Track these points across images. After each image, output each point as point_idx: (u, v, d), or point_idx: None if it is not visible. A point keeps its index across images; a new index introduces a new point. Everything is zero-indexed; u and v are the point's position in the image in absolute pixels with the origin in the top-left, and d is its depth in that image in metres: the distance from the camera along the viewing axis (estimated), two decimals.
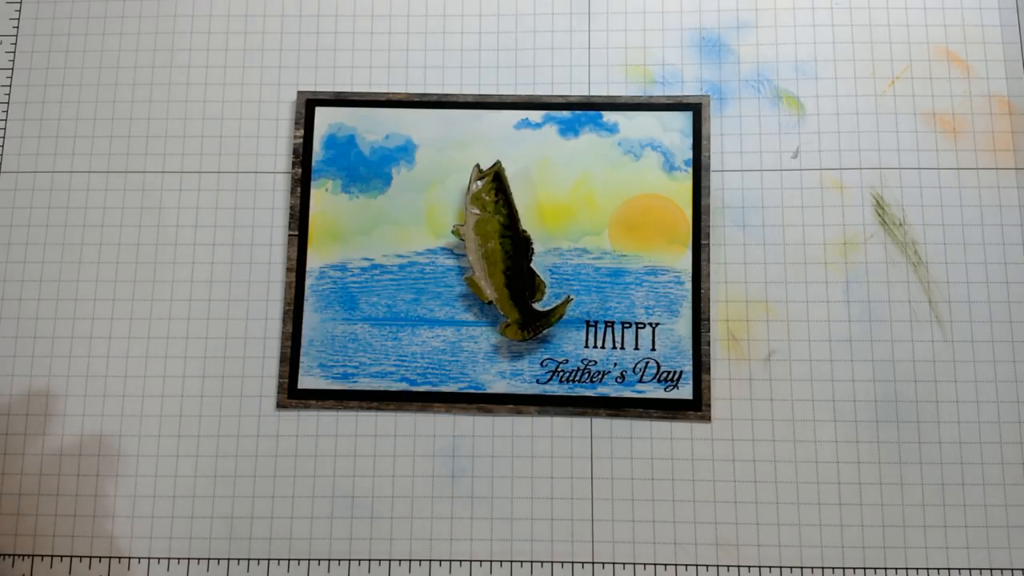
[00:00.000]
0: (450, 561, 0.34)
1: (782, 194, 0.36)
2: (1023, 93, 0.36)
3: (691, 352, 0.34)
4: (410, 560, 0.34)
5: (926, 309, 0.35)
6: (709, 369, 0.33)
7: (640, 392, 0.34)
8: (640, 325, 0.34)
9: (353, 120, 0.36)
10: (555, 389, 0.34)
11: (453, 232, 0.35)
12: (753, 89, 0.37)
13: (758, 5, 0.38)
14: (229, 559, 0.34)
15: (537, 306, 0.34)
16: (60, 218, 0.36)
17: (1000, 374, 0.35)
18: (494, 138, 0.36)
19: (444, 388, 0.34)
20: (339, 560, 0.34)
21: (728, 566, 0.33)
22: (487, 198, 0.34)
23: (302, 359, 0.34)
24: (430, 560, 0.34)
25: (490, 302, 0.34)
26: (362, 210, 0.35)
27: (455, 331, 0.35)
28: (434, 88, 0.37)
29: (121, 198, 0.36)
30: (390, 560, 0.34)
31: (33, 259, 0.36)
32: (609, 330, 0.34)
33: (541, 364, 0.34)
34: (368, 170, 0.36)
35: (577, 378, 0.34)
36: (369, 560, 0.34)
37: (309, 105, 0.36)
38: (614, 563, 0.33)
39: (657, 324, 0.34)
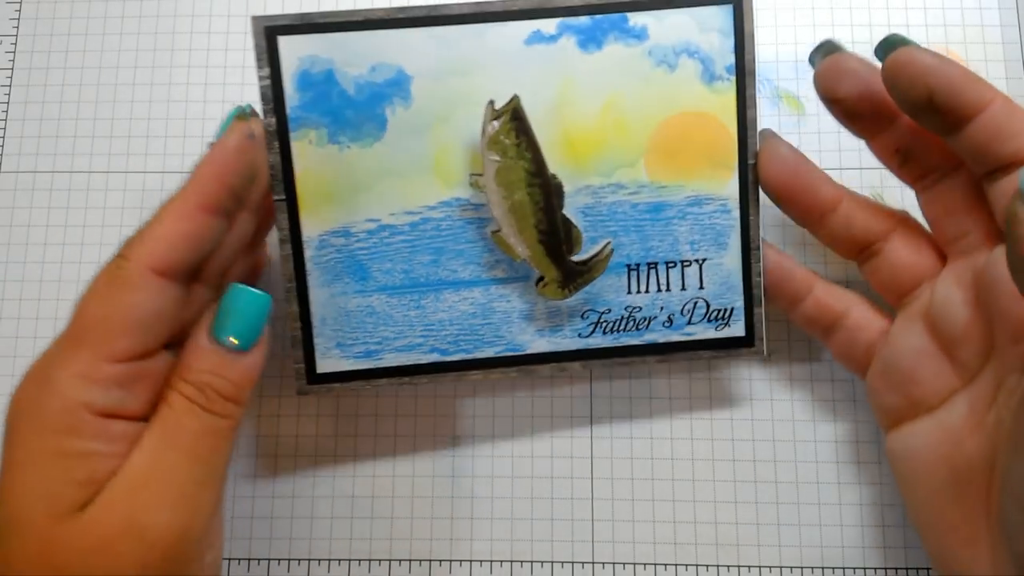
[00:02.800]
0: (450, 561, 0.34)
1: None
2: (1023, 93, 0.36)
3: (741, 287, 0.31)
4: (410, 560, 0.34)
5: None
6: (761, 302, 0.31)
7: (689, 334, 0.31)
8: (686, 263, 0.31)
9: (328, 50, 0.28)
10: (599, 341, 0.31)
11: (471, 184, 0.29)
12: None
13: (758, 5, 0.38)
14: (230, 559, 0.34)
15: (574, 257, 0.30)
16: (60, 218, 0.36)
17: None
18: (502, 59, 0.29)
19: (480, 354, 0.31)
20: (339, 560, 0.34)
21: (728, 566, 0.33)
22: (507, 141, 0.29)
23: (316, 340, 0.30)
24: (430, 560, 0.34)
25: (523, 260, 0.30)
26: (357, 163, 0.29)
27: (484, 291, 0.30)
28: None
29: (121, 198, 0.36)
30: (390, 560, 0.34)
31: (33, 259, 0.36)
32: (652, 272, 0.31)
33: (582, 316, 0.31)
34: (356, 113, 0.29)
35: (622, 327, 0.31)
36: (369, 560, 0.34)
37: (270, 35, 0.28)
38: (614, 563, 0.33)
39: (704, 260, 0.31)
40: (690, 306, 0.31)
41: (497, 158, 0.29)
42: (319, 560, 0.34)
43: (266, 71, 0.28)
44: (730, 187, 0.30)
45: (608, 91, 0.29)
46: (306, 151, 0.29)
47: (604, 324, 0.31)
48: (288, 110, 0.29)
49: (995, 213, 0.27)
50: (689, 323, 0.31)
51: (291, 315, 0.30)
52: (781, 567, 0.33)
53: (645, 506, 0.34)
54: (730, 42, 0.30)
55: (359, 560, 0.34)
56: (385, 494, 0.34)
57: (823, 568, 0.33)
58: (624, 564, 0.33)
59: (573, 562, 0.34)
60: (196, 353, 0.26)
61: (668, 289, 0.31)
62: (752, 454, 0.34)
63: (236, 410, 0.26)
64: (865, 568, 0.33)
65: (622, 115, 0.30)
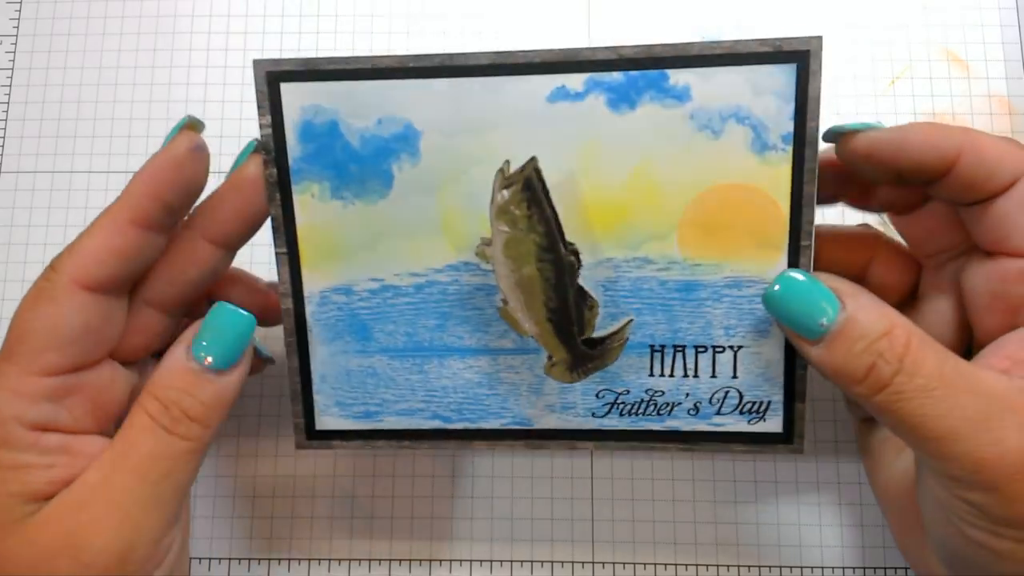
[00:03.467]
0: (450, 561, 0.34)
1: None
2: (1023, 93, 0.36)
3: (783, 380, 0.27)
4: (410, 560, 0.34)
5: None
6: (804, 397, 0.27)
7: (718, 425, 0.28)
8: (718, 349, 0.27)
9: (333, 100, 0.26)
10: (615, 423, 0.28)
11: (477, 253, 0.27)
12: None
13: (758, 5, 0.38)
14: (230, 559, 0.34)
15: (592, 333, 0.28)
16: (60, 218, 0.36)
17: None
18: (520, 118, 0.26)
19: (484, 425, 0.28)
20: (339, 560, 0.34)
21: (728, 566, 0.33)
22: (517, 212, 0.26)
23: (316, 397, 0.29)
24: (430, 560, 0.34)
25: (530, 336, 0.28)
26: (361, 220, 0.27)
27: (491, 361, 0.28)
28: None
29: None
30: (390, 560, 0.34)
31: (33, 259, 0.36)
32: (679, 355, 0.27)
33: (597, 396, 0.28)
34: (361, 167, 0.27)
35: (641, 411, 0.28)
36: (369, 560, 0.34)
37: (272, 81, 0.26)
38: (614, 563, 0.33)
39: (740, 347, 0.27)
40: (720, 395, 0.28)
41: (507, 229, 0.26)
42: (319, 560, 0.34)
43: (267, 119, 0.27)
44: (776, 269, 0.26)
45: (639, 156, 0.26)
46: (308, 205, 0.27)
47: (621, 406, 0.28)
48: (290, 161, 0.27)
49: (972, 232, 0.26)
50: (718, 413, 0.28)
51: (291, 370, 0.28)
52: (781, 567, 0.33)
53: (645, 506, 0.34)
54: (789, 108, 0.25)
55: (359, 560, 0.34)
56: (385, 494, 0.34)
57: (823, 568, 0.33)
58: (624, 564, 0.34)
59: (573, 562, 0.34)
60: (169, 368, 0.25)
61: (696, 375, 0.27)
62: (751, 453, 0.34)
63: (202, 432, 0.25)
64: (864, 568, 0.33)
65: (654, 183, 0.26)
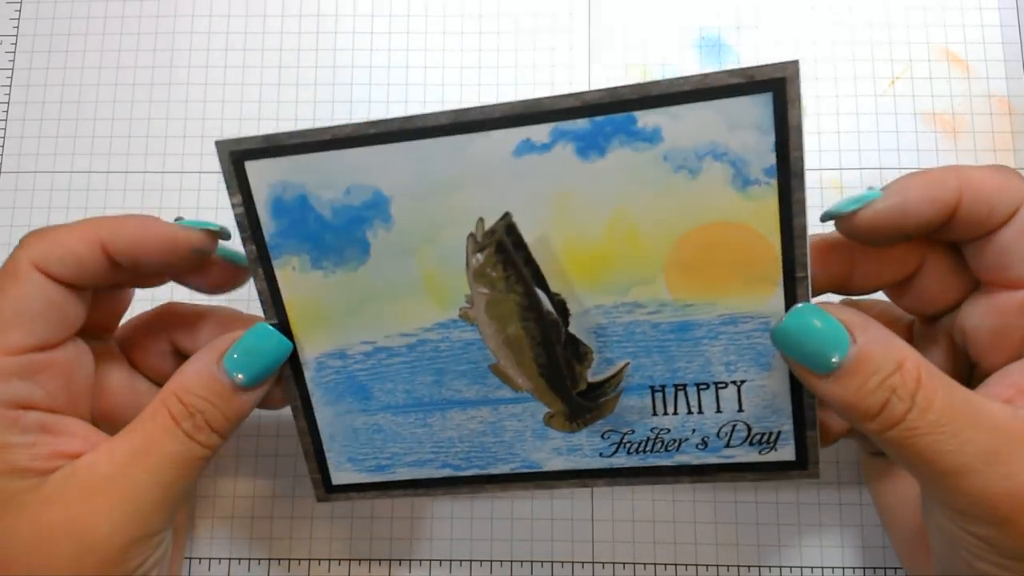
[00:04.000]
0: (450, 561, 0.34)
1: None
2: (1023, 93, 0.36)
3: (790, 410, 0.27)
4: (410, 560, 0.34)
5: None
6: (815, 425, 0.27)
7: (728, 457, 0.27)
8: (720, 385, 0.27)
9: (298, 174, 0.26)
10: (623, 461, 0.28)
11: (460, 316, 0.27)
12: None
13: (758, 5, 0.38)
14: (231, 559, 0.34)
15: (587, 374, 0.27)
16: (60, 218, 0.36)
17: None
18: (488, 174, 0.25)
19: (494, 470, 0.28)
20: (339, 560, 0.34)
21: (728, 566, 0.33)
22: (494, 274, 0.26)
23: (328, 455, 0.29)
24: (430, 560, 0.34)
25: (525, 392, 0.27)
26: (344, 287, 0.27)
27: (492, 411, 0.28)
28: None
29: (121, 198, 0.37)
30: (390, 560, 0.34)
31: None
32: (681, 394, 0.27)
33: (602, 436, 0.28)
34: (336, 237, 0.26)
35: (649, 448, 0.27)
36: (369, 560, 0.34)
37: (237, 161, 0.26)
38: (614, 563, 0.33)
39: (743, 382, 0.26)
40: (728, 429, 0.27)
41: (486, 291, 0.26)
42: (319, 560, 0.34)
43: (238, 198, 0.26)
44: (772, 303, 0.25)
45: (616, 203, 0.25)
46: (291, 278, 0.27)
47: (628, 444, 0.28)
48: (266, 238, 0.27)
49: (973, 267, 0.26)
50: (727, 446, 0.27)
51: (300, 431, 0.29)
52: (780, 567, 0.33)
53: (645, 505, 0.34)
54: (769, 139, 0.24)
55: (359, 560, 0.34)
56: None
57: (823, 568, 0.33)
58: (624, 564, 0.34)
59: (573, 562, 0.34)
60: (199, 375, 0.26)
61: (701, 412, 0.27)
62: None
63: (219, 442, 0.26)
64: (864, 568, 0.33)
65: (634, 228, 0.25)
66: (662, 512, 0.34)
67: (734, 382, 0.27)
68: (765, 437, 0.27)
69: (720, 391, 0.27)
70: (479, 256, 0.26)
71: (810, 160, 0.36)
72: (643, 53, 0.37)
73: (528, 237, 0.26)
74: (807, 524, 0.34)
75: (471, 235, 0.26)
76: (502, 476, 0.28)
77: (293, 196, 0.26)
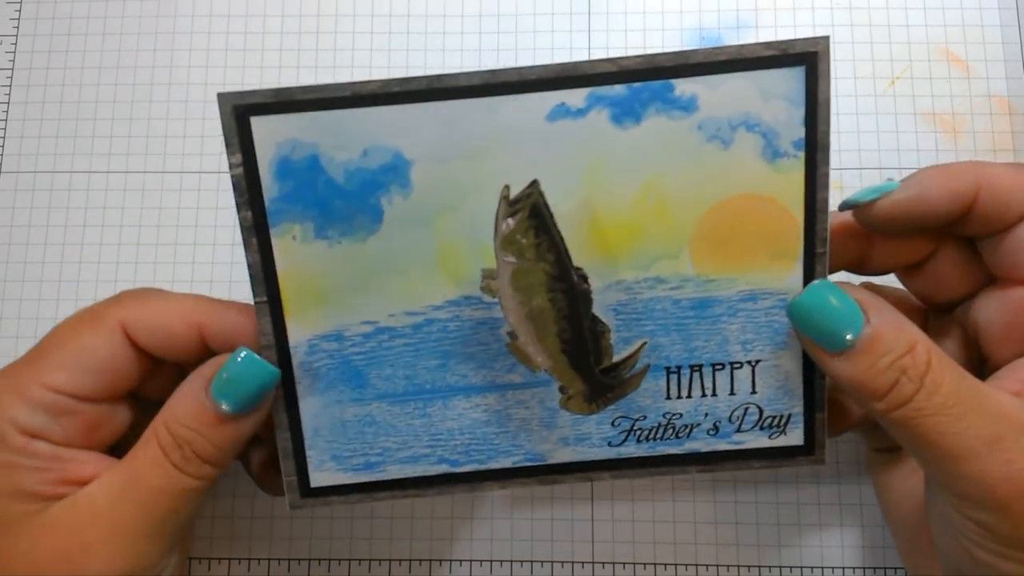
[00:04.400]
0: (450, 561, 0.34)
1: None
2: (1023, 93, 0.36)
3: (802, 391, 0.27)
4: (410, 560, 0.34)
5: None
6: (824, 406, 0.27)
7: (738, 443, 0.27)
8: (736, 365, 0.26)
9: (311, 132, 0.24)
10: (632, 450, 0.27)
11: (482, 288, 0.25)
12: None
13: (758, 5, 0.38)
14: (231, 559, 0.34)
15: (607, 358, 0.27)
16: (60, 218, 0.36)
17: None
18: (519, 139, 0.24)
19: (495, 464, 0.27)
20: (339, 560, 0.34)
21: (728, 566, 0.33)
22: (524, 241, 0.25)
23: (309, 453, 0.27)
24: (430, 560, 0.34)
25: (543, 371, 0.26)
26: (349, 260, 0.25)
27: (499, 397, 0.26)
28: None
29: (121, 198, 0.36)
30: (390, 560, 0.34)
31: (33, 260, 0.36)
32: (696, 375, 0.26)
33: (613, 424, 0.27)
34: (347, 204, 0.24)
35: (660, 435, 0.27)
36: (369, 560, 0.34)
37: (241, 116, 0.24)
38: (614, 563, 0.33)
39: (757, 362, 0.26)
40: (740, 412, 0.27)
41: (513, 260, 0.25)
42: (319, 560, 0.34)
43: (238, 157, 0.24)
44: (791, 279, 0.25)
45: (647, 172, 0.25)
46: (289, 248, 0.25)
47: (638, 432, 0.27)
48: (267, 202, 0.24)
49: (988, 261, 0.26)
50: (738, 431, 0.27)
51: (279, 426, 0.26)
52: (781, 567, 0.33)
53: (645, 505, 0.34)
54: (799, 112, 0.24)
55: (359, 560, 0.34)
56: None
57: (822, 568, 0.33)
58: (624, 564, 0.33)
59: (573, 562, 0.34)
60: (185, 403, 0.25)
61: (715, 394, 0.27)
62: None
63: (212, 472, 0.25)
64: (864, 568, 0.33)
65: (664, 199, 0.25)
66: (662, 512, 0.34)
67: (749, 362, 0.26)
68: (776, 420, 0.27)
69: (735, 371, 0.26)
70: (510, 221, 0.25)
71: None
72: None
73: (557, 205, 0.25)
74: (807, 524, 0.34)
75: (504, 193, 0.24)
76: (502, 471, 0.27)
77: (303, 156, 0.24)
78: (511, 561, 0.34)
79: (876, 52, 0.37)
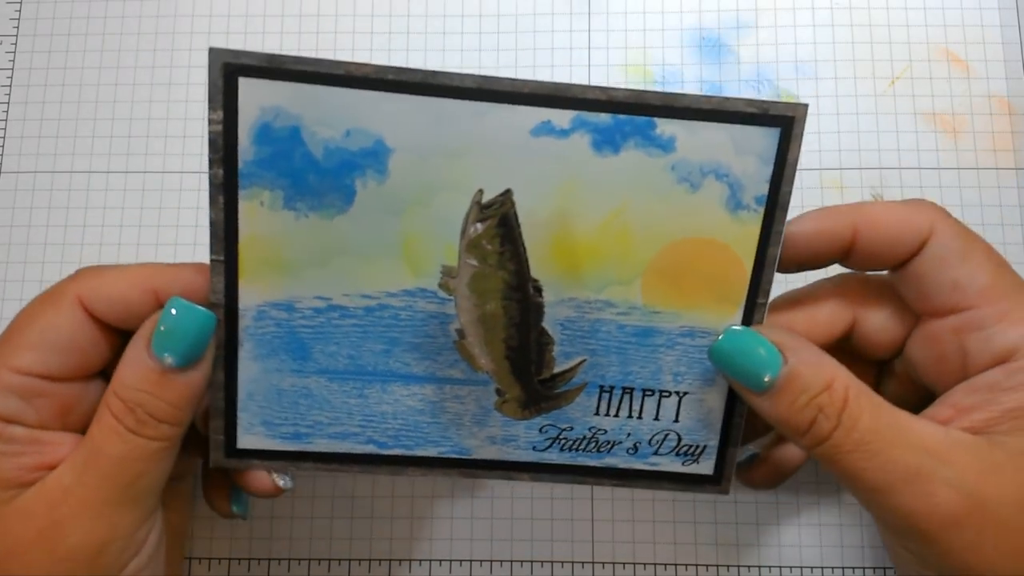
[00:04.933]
0: (450, 561, 0.34)
1: None
2: (1023, 93, 0.36)
3: (720, 425, 0.28)
4: (410, 560, 0.34)
5: None
6: (738, 443, 0.28)
7: (653, 464, 0.28)
8: (664, 393, 0.27)
9: (298, 104, 0.24)
10: (554, 457, 0.28)
11: (440, 285, 0.26)
12: (753, 89, 0.37)
13: (758, 5, 0.38)
14: (230, 559, 0.34)
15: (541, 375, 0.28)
16: (60, 218, 0.36)
17: None
18: (501, 147, 0.25)
19: (421, 452, 0.28)
20: (339, 560, 0.34)
21: (728, 566, 0.33)
22: (489, 247, 0.25)
23: (240, 415, 0.27)
24: (430, 560, 0.34)
25: (484, 373, 0.27)
26: (314, 234, 0.25)
27: (437, 389, 0.27)
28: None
29: (121, 198, 0.37)
30: (390, 560, 0.34)
31: (33, 259, 0.36)
32: (627, 397, 0.28)
33: (540, 431, 0.28)
34: (321, 180, 0.25)
35: (582, 447, 0.28)
36: (369, 560, 0.34)
37: (229, 75, 0.24)
38: (614, 563, 0.33)
39: (685, 393, 0.27)
40: (660, 437, 0.28)
41: (475, 263, 0.26)
42: (319, 560, 0.34)
43: (219, 114, 0.24)
44: (730, 323, 0.27)
45: (617, 200, 0.26)
46: (255, 213, 0.25)
47: (563, 441, 0.28)
48: (240, 164, 0.24)
49: (903, 295, 0.27)
50: (655, 453, 0.28)
51: (214, 384, 0.26)
52: (781, 567, 0.33)
53: (645, 505, 0.34)
54: (767, 170, 0.25)
55: (359, 560, 0.34)
56: (385, 493, 0.34)
57: (822, 568, 0.33)
58: (624, 564, 0.33)
59: (573, 562, 0.34)
60: (132, 366, 0.24)
61: (640, 417, 0.28)
62: None
63: (172, 431, 0.25)
64: (864, 567, 0.33)
65: (627, 228, 0.26)
66: (662, 512, 0.34)
67: (677, 392, 0.28)
68: (692, 449, 0.28)
69: (663, 399, 0.28)
70: (479, 226, 0.25)
71: (810, 160, 0.36)
72: (643, 54, 0.37)
73: (526, 216, 0.25)
74: (807, 524, 0.34)
75: (476, 202, 0.25)
76: (426, 459, 0.28)
77: (285, 126, 0.24)
78: (511, 561, 0.34)
79: (876, 52, 0.37)
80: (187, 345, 0.24)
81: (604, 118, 0.25)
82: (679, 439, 0.28)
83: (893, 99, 0.36)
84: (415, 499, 0.34)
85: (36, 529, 0.24)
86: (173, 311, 0.24)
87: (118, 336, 0.26)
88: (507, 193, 0.25)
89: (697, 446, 0.28)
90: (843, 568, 0.33)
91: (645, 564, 0.33)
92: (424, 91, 0.24)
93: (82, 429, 0.26)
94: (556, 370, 0.27)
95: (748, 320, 0.27)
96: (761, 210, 0.26)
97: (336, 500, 0.34)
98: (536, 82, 0.24)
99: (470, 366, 0.27)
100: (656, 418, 0.28)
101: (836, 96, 0.37)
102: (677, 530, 0.34)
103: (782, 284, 0.32)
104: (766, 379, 0.24)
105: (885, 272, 0.28)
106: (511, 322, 0.26)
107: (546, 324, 0.27)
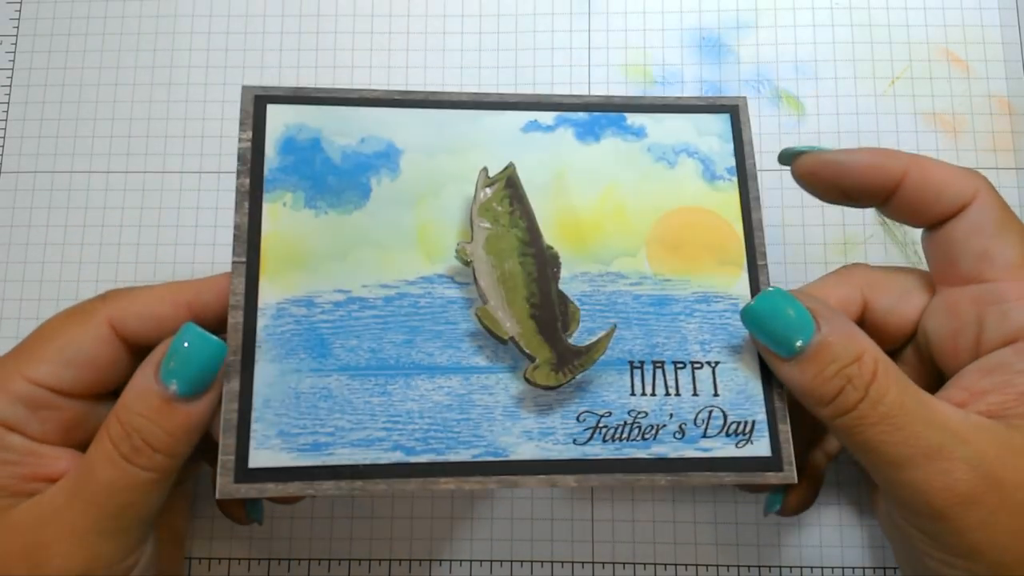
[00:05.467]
0: (450, 561, 0.34)
1: (782, 194, 0.36)
2: (1023, 93, 0.36)
3: (762, 397, 0.27)
4: (410, 560, 0.34)
5: None
6: (786, 418, 0.27)
7: (705, 450, 0.26)
8: (696, 365, 0.27)
9: (318, 120, 0.28)
10: (598, 451, 0.26)
11: (457, 254, 0.27)
12: (753, 89, 0.37)
13: (758, 5, 0.38)
14: (230, 559, 0.34)
15: (571, 340, 0.27)
16: (60, 218, 0.36)
17: None
18: (498, 142, 0.28)
19: (453, 456, 0.26)
20: (339, 560, 0.34)
21: (728, 566, 0.33)
22: (500, 208, 0.27)
23: (254, 426, 0.25)
24: (430, 560, 0.34)
25: (510, 339, 0.26)
26: (333, 229, 0.27)
27: (463, 380, 0.26)
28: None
29: (121, 198, 0.36)
30: (390, 560, 0.34)
31: (33, 260, 0.36)
32: (659, 372, 0.27)
33: (578, 419, 0.26)
34: (339, 179, 0.27)
35: (625, 435, 0.26)
36: (369, 560, 0.34)
37: (259, 103, 0.28)
38: (614, 563, 0.33)
39: (717, 363, 0.27)
40: (704, 415, 0.27)
41: (488, 225, 0.27)
42: (319, 559, 0.34)
43: (248, 135, 0.27)
44: (739, 286, 0.28)
45: (606, 180, 0.29)
46: (278, 213, 0.27)
47: (604, 430, 0.26)
48: (266, 172, 0.27)
49: (929, 260, 0.27)
50: (704, 435, 0.26)
51: (227, 393, 0.25)
52: (781, 567, 0.33)
53: (645, 505, 0.34)
54: (729, 146, 0.29)
55: (359, 560, 0.34)
56: (385, 493, 0.34)
57: (823, 568, 0.33)
58: (624, 564, 0.33)
59: (573, 562, 0.34)
60: (136, 390, 0.24)
61: (678, 393, 0.27)
62: None
63: (165, 463, 0.24)
64: (864, 567, 0.33)
65: (621, 204, 0.28)
66: (662, 512, 0.34)
67: (709, 363, 0.27)
68: (741, 426, 0.27)
69: (696, 371, 0.27)
70: (488, 190, 0.27)
71: None
72: (643, 54, 0.37)
73: (529, 197, 0.28)
74: (807, 524, 0.34)
75: (483, 169, 0.28)
76: (461, 465, 0.26)
77: (307, 138, 0.28)
78: (511, 561, 0.34)
79: (876, 52, 0.37)
80: (194, 373, 0.24)
81: (582, 115, 0.29)
82: (725, 416, 0.27)
83: (893, 99, 0.36)
84: (415, 500, 0.34)
85: (21, 545, 0.24)
86: (185, 337, 0.24)
87: (138, 360, 0.26)
88: (510, 165, 0.28)
89: (745, 422, 0.27)
90: (843, 568, 0.33)
91: (645, 564, 0.33)
92: (426, 106, 0.29)
93: (84, 447, 0.26)
94: (588, 342, 0.27)
95: (755, 282, 0.28)
96: (734, 179, 0.29)
97: (336, 500, 0.34)
98: (520, 94, 0.29)
99: (494, 338, 0.26)
100: (695, 393, 0.27)
101: (836, 96, 0.37)
102: (677, 530, 0.34)
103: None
104: (798, 344, 0.24)
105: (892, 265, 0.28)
106: (530, 278, 0.27)
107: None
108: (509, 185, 0.28)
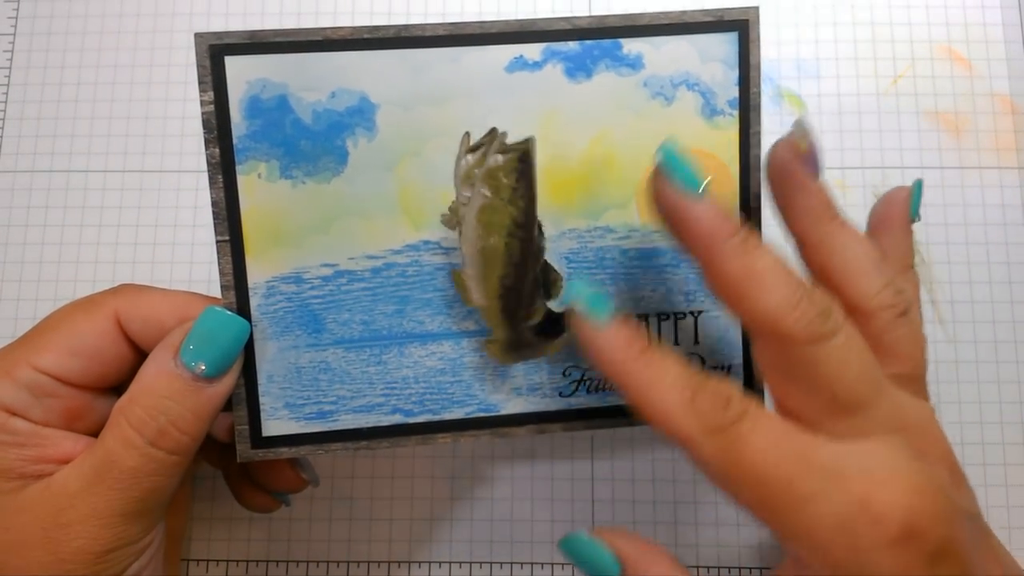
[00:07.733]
0: (449, 563, 0.34)
1: None
2: None
3: (740, 341, 0.27)
4: (409, 563, 0.34)
5: (928, 309, 0.35)
6: None
7: None
8: (679, 315, 0.27)
9: (282, 73, 0.25)
10: (583, 401, 0.27)
11: (449, 211, 0.26)
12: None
13: (759, 5, 0.37)
14: (228, 561, 0.34)
15: (553, 304, 0.27)
16: (58, 218, 0.36)
17: (1003, 375, 0.34)
18: (480, 87, 0.26)
19: (448, 415, 0.27)
20: (338, 563, 0.34)
21: (729, 567, 0.33)
22: (505, 180, 0.26)
23: (262, 400, 0.26)
24: (429, 562, 0.34)
25: (474, 307, 0.27)
26: (313, 200, 0.26)
27: (454, 345, 0.27)
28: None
29: (119, 198, 0.36)
30: (389, 562, 0.34)
31: (31, 259, 0.36)
32: (643, 325, 0.27)
33: (564, 374, 0.27)
34: (313, 144, 0.25)
35: (608, 385, 0.27)
36: (368, 562, 0.34)
37: (215, 55, 0.25)
38: None
39: (700, 312, 0.27)
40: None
41: (488, 194, 0.26)
42: (317, 562, 0.34)
43: (209, 95, 0.25)
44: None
45: (598, 125, 0.27)
46: (254, 186, 0.25)
47: (588, 382, 0.27)
48: (234, 140, 0.25)
49: None
50: None
51: None
52: None
53: (646, 507, 0.34)
54: (734, 74, 0.27)
55: (358, 562, 0.34)
56: (384, 496, 0.34)
57: None
58: None
59: (573, 564, 0.33)
60: (157, 375, 0.24)
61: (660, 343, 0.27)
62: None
63: (190, 444, 0.24)
64: None
65: (613, 151, 0.27)
66: (663, 514, 0.34)
67: (691, 312, 0.28)
68: (718, 371, 0.28)
69: (679, 321, 0.28)
70: (499, 157, 0.26)
71: None
72: None
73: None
74: None
75: (467, 134, 0.26)
76: (456, 422, 0.27)
77: (272, 96, 0.25)
78: (511, 563, 0.33)
79: (878, 50, 0.37)
80: (220, 353, 0.25)
81: (572, 46, 0.26)
82: (703, 362, 0.28)
83: (896, 98, 0.36)
84: (414, 501, 0.34)
85: (39, 527, 0.24)
86: (209, 320, 0.25)
87: (139, 358, 0.26)
88: (530, 138, 0.26)
89: (722, 366, 0.28)
90: None
91: None
92: (399, 44, 0.26)
93: (85, 435, 0.26)
94: (564, 307, 0.27)
95: (752, 219, 0.27)
96: (736, 113, 0.27)
97: (335, 502, 0.34)
98: (502, 21, 0.26)
99: (463, 301, 0.27)
100: (676, 343, 0.28)
101: (838, 95, 0.36)
102: (678, 531, 0.34)
103: None
104: None
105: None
106: (511, 260, 0.27)
107: (551, 259, 0.27)
108: (523, 159, 0.26)
